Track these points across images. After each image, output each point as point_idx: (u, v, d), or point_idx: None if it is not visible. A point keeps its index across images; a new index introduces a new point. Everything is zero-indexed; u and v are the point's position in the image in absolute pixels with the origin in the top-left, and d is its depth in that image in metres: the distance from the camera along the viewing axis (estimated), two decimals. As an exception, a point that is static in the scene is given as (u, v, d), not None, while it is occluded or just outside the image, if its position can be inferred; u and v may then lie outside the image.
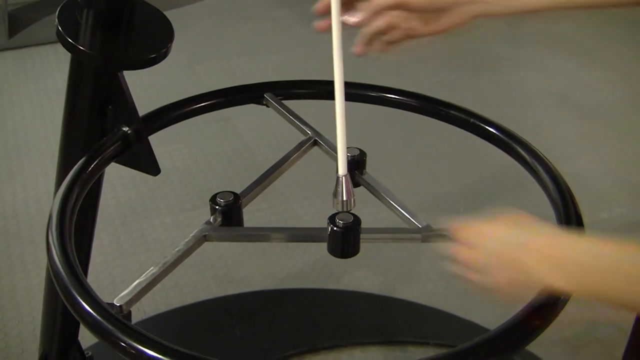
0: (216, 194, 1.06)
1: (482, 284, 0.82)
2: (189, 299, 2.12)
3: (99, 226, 1.43)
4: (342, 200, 0.95)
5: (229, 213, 1.05)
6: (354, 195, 0.96)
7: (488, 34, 3.29)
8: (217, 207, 1.05)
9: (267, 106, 1.31)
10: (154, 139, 1.17)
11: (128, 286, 0.91)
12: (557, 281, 0.76)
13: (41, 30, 3.71)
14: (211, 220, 1.05)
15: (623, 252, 0.71)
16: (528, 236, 0.79)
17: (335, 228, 0.96)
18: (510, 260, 0.79)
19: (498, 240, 0.81)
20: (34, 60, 3.53)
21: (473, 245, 0.82)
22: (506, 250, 0.79)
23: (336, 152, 1.18)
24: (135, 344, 0.79)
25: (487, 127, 1.21)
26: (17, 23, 3.76)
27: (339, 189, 0.95)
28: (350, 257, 0.99)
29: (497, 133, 1.19)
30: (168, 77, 3.14)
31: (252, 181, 1.14)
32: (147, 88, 2.91)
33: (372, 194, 1.15)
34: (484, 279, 0.81)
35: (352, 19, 0.97)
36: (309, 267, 2.26)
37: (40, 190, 2.59)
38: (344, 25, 0.97)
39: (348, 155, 1.17)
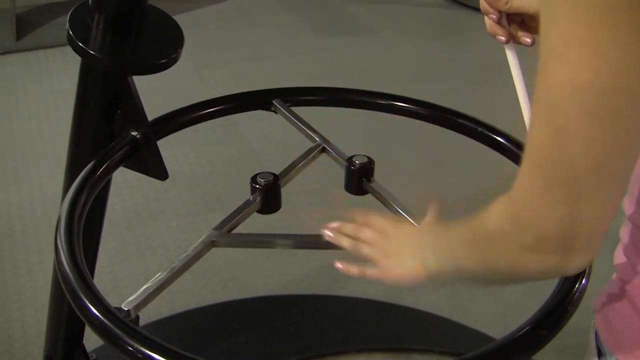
0: (257, 174, 1.10)
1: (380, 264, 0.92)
2: (194, 304, 2.12)
3: (104, 229, 1.43)
4: None
5: (268, 192, 1.09)
6: None
7: (497, 42, 3.30)
8: (257, 186, 1.09)
9: (276, 112, 1.31)
10: (160, 143, 1.18)
11: (133, 290, 0.91)
12: (431, 260, 0.85)
13: (49, 33, 3.72)
14: (250, 199, 1.10)
15: (464, 222, 0.78)
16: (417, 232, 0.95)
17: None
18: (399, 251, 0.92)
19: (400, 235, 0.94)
20: (41, 62, 3.54)
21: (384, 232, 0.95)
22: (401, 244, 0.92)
23: (345, 160, 1.19)
24: (143, 349, 0.79)
25: (494, 136, 1.21)
26: (25, 25, 3.77)
27: None
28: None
29: (504, 142, 1.19)
30: (175, 82, 3.15)
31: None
32: (153, 92, 2.90)
33: (380, 201, 1.15)
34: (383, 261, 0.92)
35: (528, 39, 0.96)
36: (314, 272, 2.25)
37: (46, 193, 2.60)
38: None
39: (355, 163, 1.17)
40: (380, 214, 0.98)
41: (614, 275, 0.83)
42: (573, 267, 0.65)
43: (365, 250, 0.94)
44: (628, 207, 0.80)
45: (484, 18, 0.97)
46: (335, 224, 0.99)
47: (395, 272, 0.90)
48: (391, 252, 0.91)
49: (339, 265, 0.95)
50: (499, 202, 0.69)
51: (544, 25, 0.58)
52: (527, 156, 0.62)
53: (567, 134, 0.57)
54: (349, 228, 0.98)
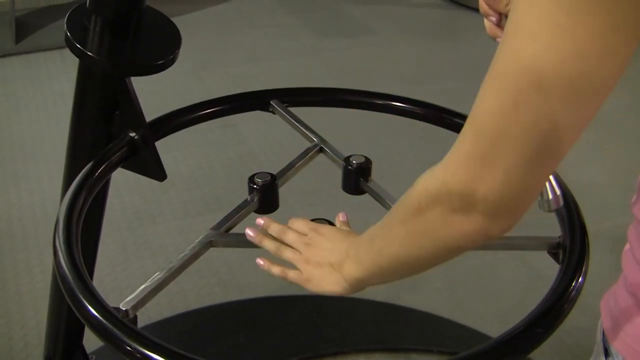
0: (254, 175, 1.11)
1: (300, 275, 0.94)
2: (194, 305, 2.12)
3: (104, 230, 1.43)
4: (547, 200, 0.88)
5: (266, 193, 1.10)
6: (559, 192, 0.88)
7: (496, 43, 3.30)
8: (255, 186, 1.09)
9: (274, 113, 1.32)
10: (159, 144, 1.18)
11: (133, 290, 0.91)
12: (354, 272, 0.87)
13: (48, 35, 3.73)
14: (248, 199, 1.10)
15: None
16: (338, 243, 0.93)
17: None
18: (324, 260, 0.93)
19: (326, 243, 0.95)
20: (41, 65, 3.54)
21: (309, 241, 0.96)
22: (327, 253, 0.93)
23: (342, 160, 1.19)
24: (141, 348, 0.79)
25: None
26: (24, 28, 3.78)
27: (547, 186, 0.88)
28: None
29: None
30: (174, 83, 3.15)
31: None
32: (152, 93, 2.92)
33: (378, 201, 1.15)
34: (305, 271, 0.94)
35: None
36: (313, 273, 2.25)
37: (45, 194, 2.60)
38: None
39: (353, 163, 1.17)
40: (302, 219, 1.00)
41: (621, 276, 0.83)
42: (496, 230, 0.68)
43: (288, 254, 0.96)
44: (636, 207, 0.81)
45: (483, 20, 0.97)
46: (261, 221, 1.01)
47: (315, 281, 0.92)
48: (311, 259, 0.93)
49: (260, 262, 0.97)
50: (423, 176, 0.72)
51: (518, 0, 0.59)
52: (471, 121, 0.64)
53: (519, 108, 0.59)
54: (274, 229, 1.00)
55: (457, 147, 0.66)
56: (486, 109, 0.62)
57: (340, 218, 1.03)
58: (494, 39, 0.95)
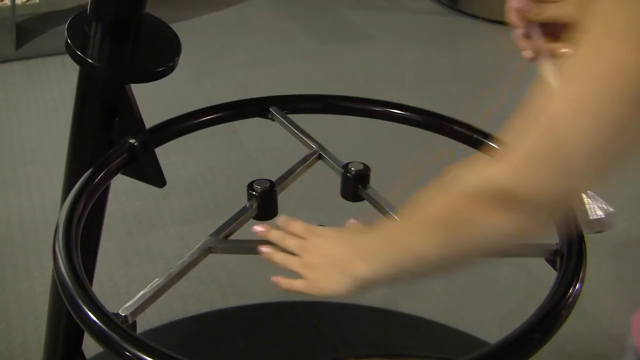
0: (253, 181, 1.11)
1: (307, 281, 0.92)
2: (193, 310, 2.13)
3: (104, 236, 1.44)
4: (593, 220, 0.85)
5: (265, 199, 1.10)
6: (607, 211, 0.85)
7: (494, 49, 3.30)
8: (254, 193, 1.10)
9: (273, 120, 1.32)
10: (159, 150, 1.18)
11: (132, 296, 0.92)
12: (365, 272, 0.85)
13: (48, 41, 3.74)
14: (247, 206, 1.10)
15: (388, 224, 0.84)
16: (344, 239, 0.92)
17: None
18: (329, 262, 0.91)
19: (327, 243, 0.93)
20: (41, 70, 3.55)
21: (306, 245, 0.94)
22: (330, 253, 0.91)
23: (341, 167, 1.19)
24: (140, 354, 0.79)
25: (490, 143, 1.22)
26: (25, 34, 3.78)
27: (590, 207, 0.84)
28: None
29: (499, 148, 1.20)
30: (174, 89, 3.15)
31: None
32: (153, 99, 2.91)
33: (376, 208, 1.16)
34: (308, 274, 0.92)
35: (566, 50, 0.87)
36: (312, 279, 2.25)
37: (46, 199, 2.61)
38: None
39: (351, 170, 1.18)
40: (299, 221, 0.98)
41: None
42: (534, 231, 0.66)
43: (291, 262, 0.94)
44: None
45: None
46: (259, 228, 0.99)
47: (320, 284, 0.90)
48: (312, 263, 0.92)
49: (276, 279, 0.96)
50: (470, 169, 0.69)
51: (602, 2, 0.57)
52: (540, 120, 0.61)
53: (597, 113, 0.57)
54: (274, 236, 0.98)
55: (520, 146, 0.63)
56: (559, 110, 0.59)
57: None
58: (520, 50, 0.90)
